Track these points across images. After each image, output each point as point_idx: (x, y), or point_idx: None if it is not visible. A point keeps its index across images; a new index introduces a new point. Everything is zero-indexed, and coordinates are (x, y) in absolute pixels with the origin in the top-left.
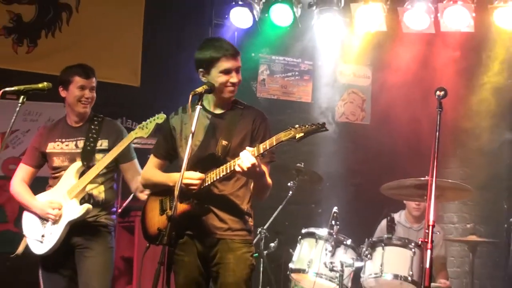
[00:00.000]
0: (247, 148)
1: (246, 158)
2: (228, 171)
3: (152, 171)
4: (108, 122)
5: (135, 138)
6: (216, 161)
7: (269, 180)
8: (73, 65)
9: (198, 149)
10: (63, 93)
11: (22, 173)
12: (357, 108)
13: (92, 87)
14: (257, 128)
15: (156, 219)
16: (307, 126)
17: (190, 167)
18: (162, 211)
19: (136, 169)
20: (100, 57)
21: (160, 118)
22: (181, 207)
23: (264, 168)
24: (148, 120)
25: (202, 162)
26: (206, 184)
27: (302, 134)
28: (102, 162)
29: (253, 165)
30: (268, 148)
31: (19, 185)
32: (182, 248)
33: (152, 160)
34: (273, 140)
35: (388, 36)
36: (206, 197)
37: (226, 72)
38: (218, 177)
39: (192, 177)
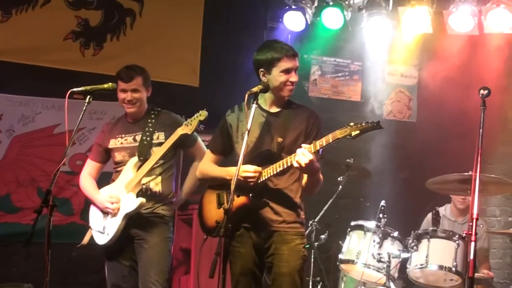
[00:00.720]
0: (304, 145)
1: (304, 154)
2: (285, 166)
3: (208, 165)
4: (164, 114)
5: (181, 134)
6: (272, 157)
7: (321, 176)
8: (122, 67)
9: (254, 146)
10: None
11: (89, 168)
12: (404, 107)
13: (134, 89)
14: (311, 126)
15: (214, 212)
16: (363, 124)
17: (247, 163)
18: (219, 204)
19: (203, 149)
20: (161, 58)
21: (202, 115)
22: (238, 200)
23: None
24: (192, 118)
25: (258, 157)
26: (263, 178)
27: (357, 132)
28: (154, 156)
29: (311, 161)
30: (324, 145)
31: (85, 180)
32: (239, 240)
33: (209, 155)
34: (329, 138)
35: (434, 37)
36: (262, 191)
37: (287, 71)
38: (275, 172)
39: (249, 170)
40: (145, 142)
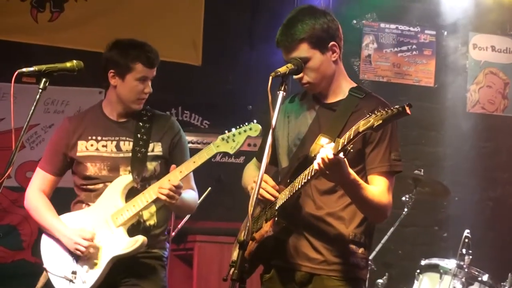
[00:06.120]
0: (327, 143)
1: (323, 155)
2: (312, 174)
3: (248, 169)
4: (160, 118)
5: (217, 153)
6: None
7: (373, 195)
8: (131, 42)
9: (298, 150)
10: (113, 81)
11: (39, 182)
12: (498, 95)
13: (153, 77)
14: None
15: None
16: (386, 110)
17: (285, 174)
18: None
19: (188, 181)
20: (148, 27)
21: (254, 129)
22: (265, 226)
23: (382, 179)
24: (235, 131)
25: (298, 167)
26: (281, 202)
27: (380, 122)
28: (166, 179)
29: (331, 163)
30: (346, 142)
31: (36, 198)
32: (268, 286)
33: (253, 161)
34: (351, 132)
35: None
36: (298, 216)
37: None
38: (301, 185)
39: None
40: (139, 155)
